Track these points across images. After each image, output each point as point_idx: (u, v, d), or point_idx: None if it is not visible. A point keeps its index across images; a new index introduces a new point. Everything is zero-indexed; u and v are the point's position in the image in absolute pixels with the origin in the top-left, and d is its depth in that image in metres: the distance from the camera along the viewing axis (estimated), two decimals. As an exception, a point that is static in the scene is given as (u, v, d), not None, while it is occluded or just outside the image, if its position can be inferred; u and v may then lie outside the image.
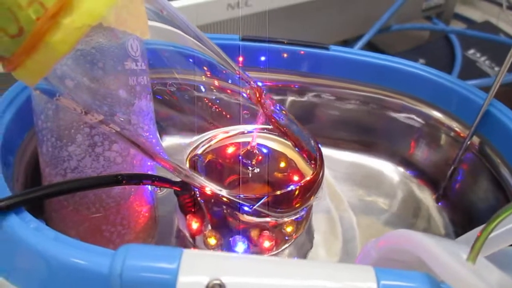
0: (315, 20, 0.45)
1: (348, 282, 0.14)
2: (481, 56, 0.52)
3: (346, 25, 0.49)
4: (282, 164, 0.23)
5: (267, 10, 0.39)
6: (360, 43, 0.48)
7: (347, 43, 0.51)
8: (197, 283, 0.13)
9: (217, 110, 0.23)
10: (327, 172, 0.30)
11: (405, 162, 0.30)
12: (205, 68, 0.23)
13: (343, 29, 0.49)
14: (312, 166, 0.23)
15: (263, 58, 0.30)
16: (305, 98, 0.31)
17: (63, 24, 0.14)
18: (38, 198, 0.18)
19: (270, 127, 0.23)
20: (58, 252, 0.15)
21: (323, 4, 0.44)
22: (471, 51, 0.52)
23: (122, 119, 0.20)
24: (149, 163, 0.23)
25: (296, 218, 0.24)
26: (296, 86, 0.30)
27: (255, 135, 0.23)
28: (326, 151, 0.31)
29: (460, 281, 0.13)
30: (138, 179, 0.21)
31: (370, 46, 0.54)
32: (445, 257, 0.14)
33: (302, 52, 0.29)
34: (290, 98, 0.31)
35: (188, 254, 0.14)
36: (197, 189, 0.23)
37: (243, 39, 0.28)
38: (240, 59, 0.30)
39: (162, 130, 0.23)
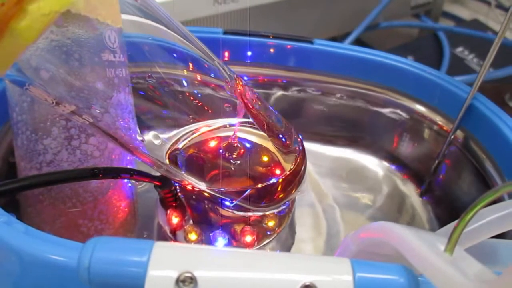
0: (302, 17, 0.45)
1: (323, 274, 0.14)
2: (469, 53, 0.52)
3: (334, 22, 0.49)
4: (264, 158, 0.23)
5: (253, 6, 0.39)
6: (349, 40, 0.48)
7: (335, 40, 0.51)
8: (167, 277, 0.13)
9: (198, 103, 0.23)
10: (311, 167, 0.29)
11: (390, 156, 0.30)
12: (186, 62, 0.22)
13: (331, 26, 0.49)
14: (294, 159, 0.22)
15: (249, 53, 0.30)
16: (290, 93, 0.30)
17: (29, 10, 0.14)
18: (8, 191, 0.17)
19: (251, 120, 0.23)
20: (28, 246, 0.15)
21: (310, 0, 0.44)
22: (459, 49, 0.52)
23: (99, 112, 0.20)
24: (128, 158, 0.23)
25: (278, 213, 0.23)
26: (284, 81, 0.30)
27: (236, 129, 0.23)
28: (311, 146, 0.31)
29: (436, 272, 0.13)
30: (115, 172, 0.21)
31: (359, 43, 0.54)
32: (422, 248, 0.14)
33: (288, 46, 0.29)
34: (275, 93, 0.31)
35: (159, 246, 0.14)
36: (177, 184, 0.22)
37: (225, 33, 0.28)
38: (226, 54, 0.29)
39: (143, 124, 0.22)
